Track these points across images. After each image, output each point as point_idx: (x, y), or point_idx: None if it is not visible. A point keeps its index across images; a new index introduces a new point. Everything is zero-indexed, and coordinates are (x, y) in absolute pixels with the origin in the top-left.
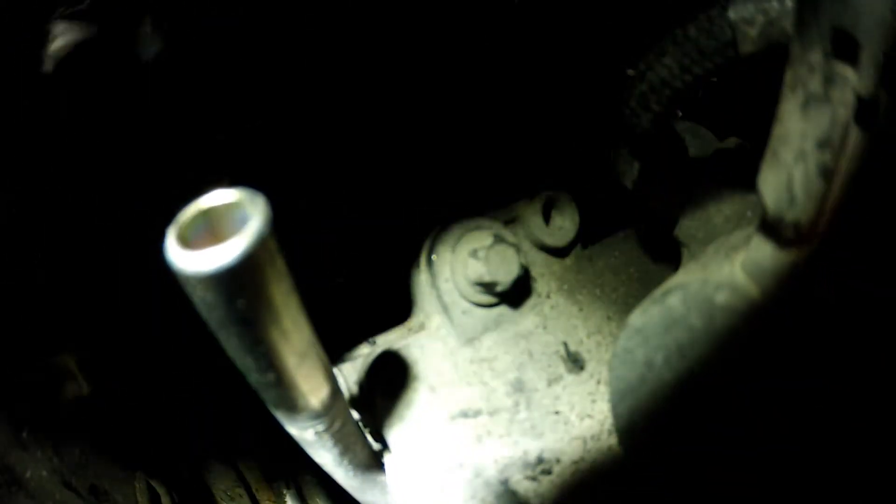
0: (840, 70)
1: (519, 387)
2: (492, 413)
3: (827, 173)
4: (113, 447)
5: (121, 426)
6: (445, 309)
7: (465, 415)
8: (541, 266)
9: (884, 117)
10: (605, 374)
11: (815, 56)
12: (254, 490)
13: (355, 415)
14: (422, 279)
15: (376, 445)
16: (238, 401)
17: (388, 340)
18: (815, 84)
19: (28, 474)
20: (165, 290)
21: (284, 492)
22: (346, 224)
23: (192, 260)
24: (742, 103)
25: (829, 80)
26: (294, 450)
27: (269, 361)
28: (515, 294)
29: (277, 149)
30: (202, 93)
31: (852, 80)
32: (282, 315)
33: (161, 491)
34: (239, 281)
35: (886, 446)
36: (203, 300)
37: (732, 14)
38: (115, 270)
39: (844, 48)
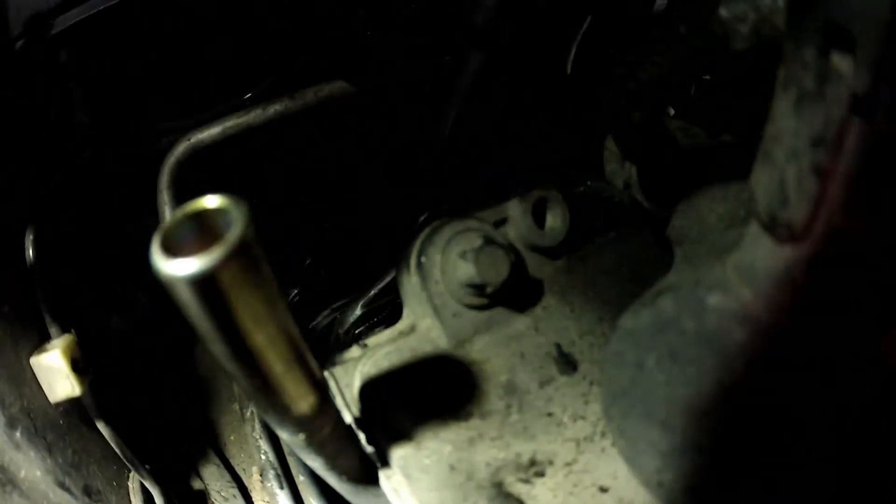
0: (834, 66)
1: (511, 389)
2: (483, 415)
3: (820, 172)
4: (106, 447)
5: (114, 426)
6: (436, 311)
7: (456, 417)
8: (532, 267)
9: (883, 113)
10: (597, 375)
11: (809, 52)
12: (248, 490)
13: (347, 418)
14: (412, 281)
15: (368, 449)
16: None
17: (378, 343)
18: (808, 81)
19: (22, 474)
20: (158, 290)
21: (278, 492)
22: (339, 224)
23: (174, 266)
24: (735, 101)
25: (822, 76)
26: (288, 451)
27: (256, 367)
28: (506, 296)
29: (270, 147)
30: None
31: (847, 77)
32: (267, 321)
33: (154, 491)
34: (220, 287)
35: (885, 447)
36: (187, 306)
37: (724, 11)
38: (108, 269)
39: (839, 43)
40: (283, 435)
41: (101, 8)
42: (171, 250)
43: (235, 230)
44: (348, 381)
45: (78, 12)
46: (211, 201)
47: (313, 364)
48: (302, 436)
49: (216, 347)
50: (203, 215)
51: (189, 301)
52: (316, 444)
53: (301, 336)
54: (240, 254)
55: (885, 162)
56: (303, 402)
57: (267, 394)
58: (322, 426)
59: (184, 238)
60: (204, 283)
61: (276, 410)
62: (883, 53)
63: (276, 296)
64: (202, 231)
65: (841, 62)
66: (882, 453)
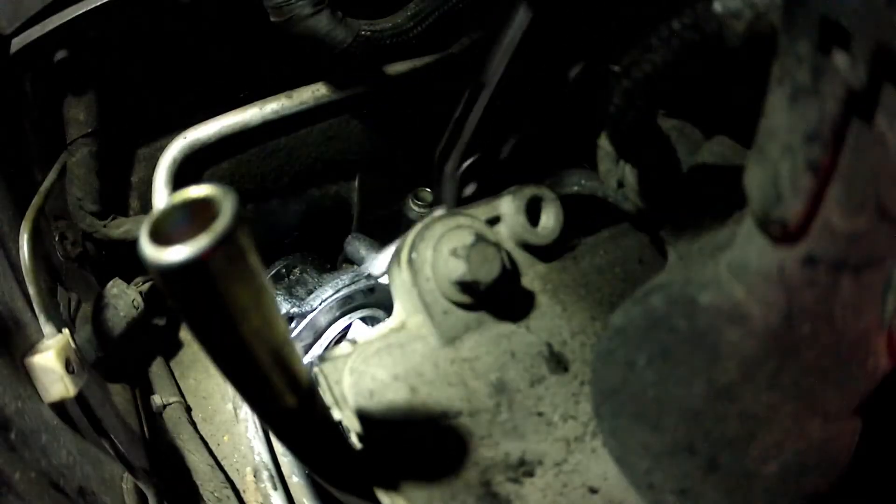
0: (830, 61)
1: (501, 388)
2: (473, 414)
3: (815, 168)
4: (100, 448)
5: (108, 427)
6: (426, 308)
7: (445, 416)
8: (524, 266)
9: (882, 108)
10: (588, 374)
11: (804, 47)
12: (241, 491)
13: (335, 415)
14: (402, 278)
15: (357, 446)
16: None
17: (368, 340)
18: (803, 76)
19: (17, 476)
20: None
21: (271, 493)
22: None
23: (160, 254)
24: (730, 100)
25: (817, 71)
26: (281, 451)
27: (241, 360)
28: (497, 294)
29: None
30: None
31: (843, 72)
32: (254, 311)
33: (148, 492)
34: (206, 276)
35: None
36: (174, 295)
37: (719, 7)
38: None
39: (834, 38)
40: (271, 429)
41: (97, 5)
42: (161, 239)
43: (223, 220)
44: (337, 377)
45: (74, 10)
46: (200, 191)
47: (300, 358)
48: (289, 431)
49: (203, 339)
50: (193, 205)
51: (176, 290)
52: (303, 440)
53: (288, 329)
54: (226, 243)
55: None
56: (290, 396)
57: (254, 387)
58: (309, 422)
59: (173, 227)
60: (190, 272)
61: (262, 404)
62: (878, 47)
63: (264, 286)
64: (191, 221)
65: (836, 57)
66: (882, 454)
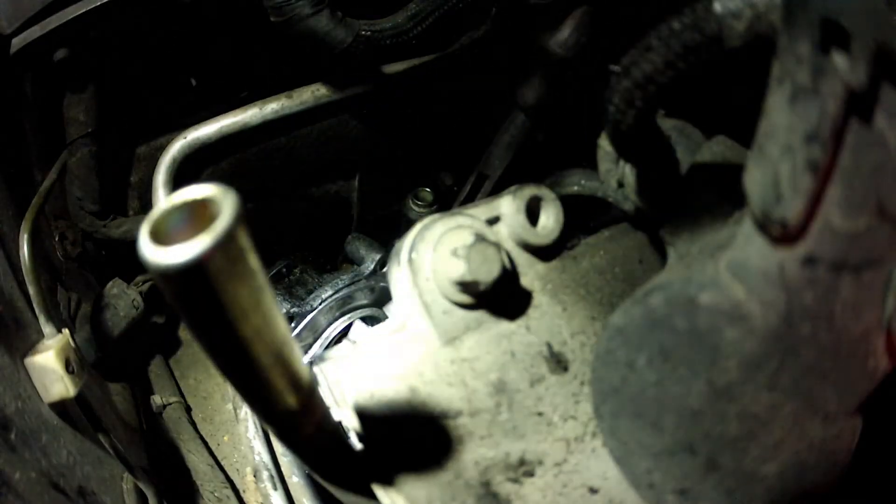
0: (830, 61)
1: (501, 387)
2: (473, 414)
3: (815, 168)
4: (100, 448)
5: (108, 426)
6: (426, 308)
7: (445, 416)
8: (524, 266)
9: (882, 108)
10: (588, 374)
11: (804, 47)
12: (241, 491)
13: (336, 415)
14: (402, 278)
15: (357, 446)
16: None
17: (368, 340)
18: (803, 76)
19: (17, 476)
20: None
21: (271, 493)
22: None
23: (159, 255)
24: (730, 100)
25: (817, 71)
26: (281, 451)
27: (242, 360)
28: (497, 294)
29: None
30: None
31: (843, 72)
32: (254, 312)
33: (148, 492)
34: (206, 277)
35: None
36: (174, 296)
37: (719, 8)
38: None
39: (834, 38)
40: (271, 429)
41: (97, 5)
42: (161, 240)
43: (223, 220)
44: (337, 377)
45: (74, 9)
46: (199, 191)
47: (301, 358)
48: (289, 431)
49: (203, 339)
50: (192, 205)
51: (176, 291)
52: (304, 440)
53: (288, 328)
54: (226, 243)
55: (878, 157)
56: (290, 396)
57: (254, 387)
58: (310, 422)
59: (173, 228)
60: (190, 273)
61: (263, 404)
62: (878, 47)
63: (264, 286)
64: (191, 221)
65: (835, 57)
66: (882, 454)
